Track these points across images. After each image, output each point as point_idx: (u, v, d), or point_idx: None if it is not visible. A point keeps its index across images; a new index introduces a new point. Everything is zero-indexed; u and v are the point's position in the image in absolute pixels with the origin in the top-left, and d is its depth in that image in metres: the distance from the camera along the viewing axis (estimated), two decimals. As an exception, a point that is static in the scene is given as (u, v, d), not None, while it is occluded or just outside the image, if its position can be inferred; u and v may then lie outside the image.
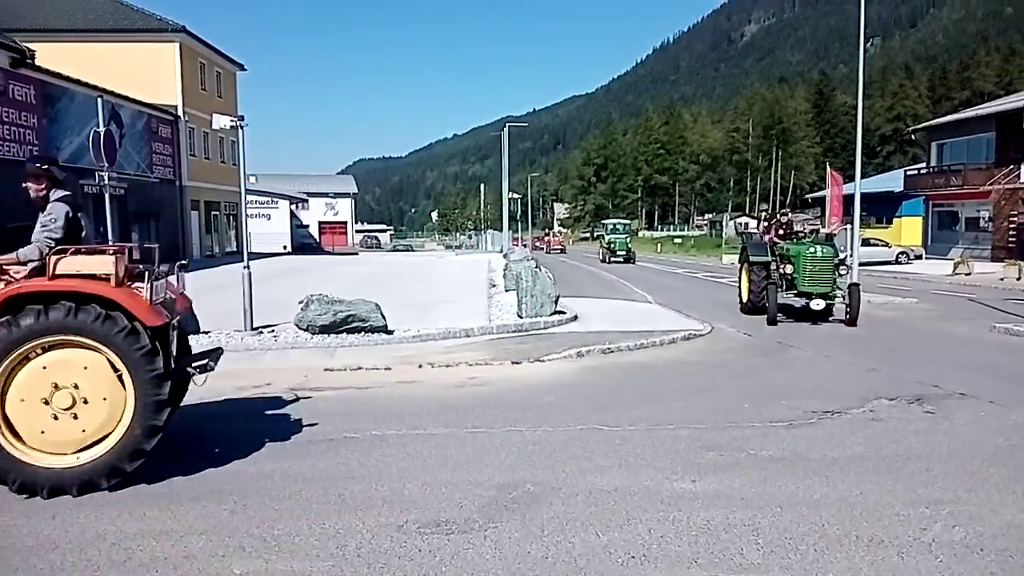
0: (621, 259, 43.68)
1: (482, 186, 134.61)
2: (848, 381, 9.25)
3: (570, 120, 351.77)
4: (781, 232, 15.96)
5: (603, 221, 55.47)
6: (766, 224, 16.46)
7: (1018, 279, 25.59)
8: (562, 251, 70.27)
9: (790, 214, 16.75)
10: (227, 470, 5.85)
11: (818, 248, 14.53)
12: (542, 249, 71.94)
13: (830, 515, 4.88)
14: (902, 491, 5.34)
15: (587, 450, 6.36)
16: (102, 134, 11.62)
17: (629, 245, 45.55)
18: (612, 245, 44.54)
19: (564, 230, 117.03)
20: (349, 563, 4.21)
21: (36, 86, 26.70)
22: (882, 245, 38.37)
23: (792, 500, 5.16)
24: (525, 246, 68.60)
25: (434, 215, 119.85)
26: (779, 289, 14.74)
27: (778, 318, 14.50)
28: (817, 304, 14.05)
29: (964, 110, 51.14)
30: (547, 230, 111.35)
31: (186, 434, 6.87)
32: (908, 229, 44.15)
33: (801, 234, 16.30)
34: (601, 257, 46.05)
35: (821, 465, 5.93)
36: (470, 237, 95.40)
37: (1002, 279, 26.00)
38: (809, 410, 7.69)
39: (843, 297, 14.51)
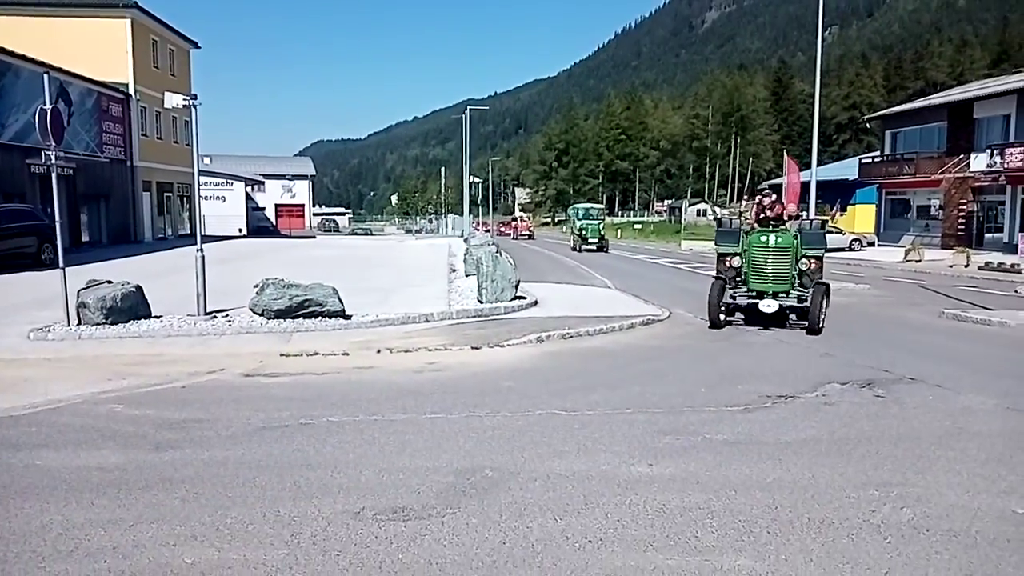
0: (594, 247, 40.60)
1: (443, 170, 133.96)
2: (802, 366, 9.40)
3: (532, 104, 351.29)
4: (762, 217, 13.34)
5: (574, 205, 50.80)
6: (757, 207, 13.75)
7: (966, 266, 26.28)
8: (530, 237, 65.90)
9: (774, 195, 13.57)
10: (178, 457, 5.74)
11: (771, 236, 12.33)
12: (508, 235, 68.31)
13: (783, 498, 4.96)
14: (853, 474, 5.45)
15: (545, 435, 6.37)
16: (49, 112, 11.25)
17: (602, 232, 42.41)
18: (584, 232, 41.24)
19: (525, 215, 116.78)
20: (304, 551, 4.16)
21: (-21, 61, 25.79)
22: (836, 232, 39.08)
23: (746, 483, 5.23)
24: (488, 231, 67.47)
25: (394, 199, 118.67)
26: (728, 285, 12.61)
27: (729, 320, 12.69)
28: (768, 305, 12.06)
29: (918, 99, 52.22)
30: (514, 214, 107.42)
31: (136, 420, 6.73)
32: (862, 216, 45.04)
33: (789, 221, 13.46)
34: (572, 245, 42.71)
35: (775, 448, 6.02)
36: (430, 221, 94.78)
37: (951, 266, 26.69)
38: (764, 394, 7.81)
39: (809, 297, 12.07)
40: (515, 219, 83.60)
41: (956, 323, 13.57)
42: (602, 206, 53.84)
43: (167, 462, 5.63)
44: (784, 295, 12.29)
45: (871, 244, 40.12)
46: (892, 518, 4.64)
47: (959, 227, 37.46)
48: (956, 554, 4.17)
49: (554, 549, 4.20)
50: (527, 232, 68.06)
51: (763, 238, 12.34)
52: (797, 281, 12.39)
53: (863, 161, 48.20)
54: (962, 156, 37.33)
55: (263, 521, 4.55)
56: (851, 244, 38.58)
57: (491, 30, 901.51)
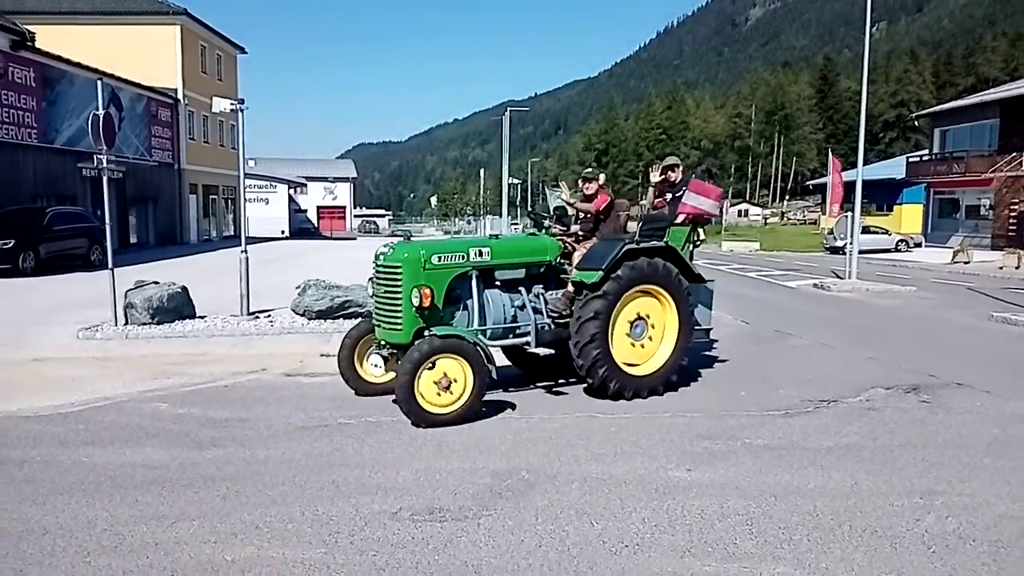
0: None
1: (482, 171, 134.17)
2: (845, 370, 9.23)
3: (572, 105, 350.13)
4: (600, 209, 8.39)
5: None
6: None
7: (1017, 268, 25.56)
8: None
9: (675, 170, 8.88)
10: (220, 455, 5.84)
11: (388, 248, 7.37)
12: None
13: (824, 505, 4.87)
14: (897, 481, 5.33)
15: (582, 438, 6.34)
16: (101, 117, 11.54)
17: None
18: None
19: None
20: (342, 550, 4.20)
21: (36, 69, 26.57)
22: (882, 232, 38.37)
23: (787, 490, 5.15)
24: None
25: (433, 200, 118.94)
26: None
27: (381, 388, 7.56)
28: (376, 364, 7.22)
29: (969, 96, 50.93)
30: None
31: (180, 419, 6.87)
32: (908, 216, 44.09)
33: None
34: None
35: (816, 454, 5.92)
36: (468, 223, 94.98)
37: (1001, 268, 25.97)
38: (806, 399, 7.68)
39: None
40: None
41: (1006, 327, 13.19)
42: None
43: (209, 460, 5.73)
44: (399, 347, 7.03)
45: (918, 245, 39.30)
46: (937, 527, 4.52)
47: (1010, 227, 36.40)
48: (1004, 566, 4.05)
49: (590, 553, 4.18)
50: None
51: (380, 250, 7.47)
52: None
53: (911, 160, 47.19)
54: (1015, 154, 36.26)
55: (302, 520, 4.61)
56: (897, 245, 37.86)
57: (532, 32, 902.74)
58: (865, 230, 31.89)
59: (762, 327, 12.80)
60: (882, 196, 47.78)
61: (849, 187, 22.08)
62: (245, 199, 14.13)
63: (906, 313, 15.08)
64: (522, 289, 7.69)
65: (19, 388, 8.05)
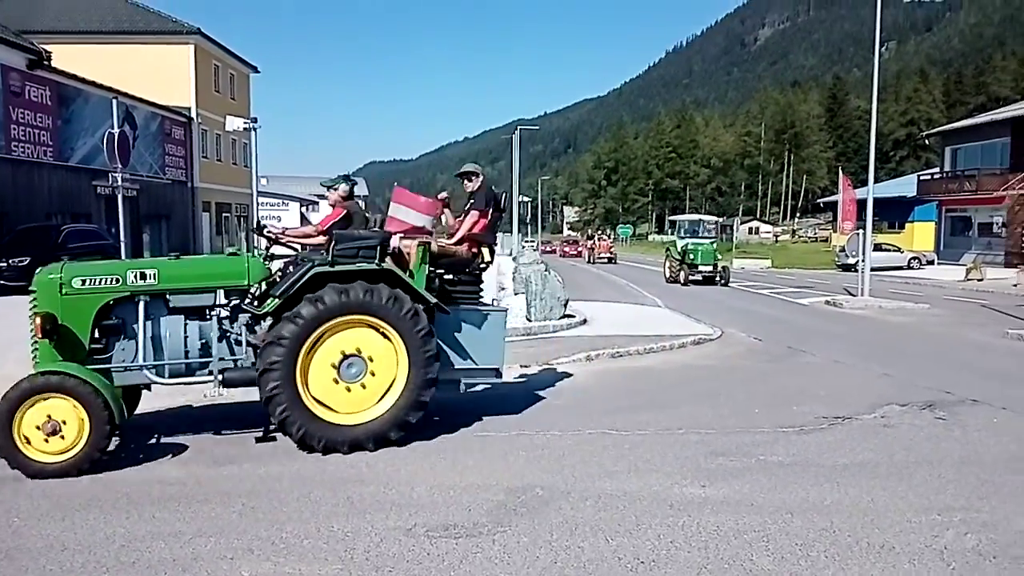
0: (701, 278, 28.02)
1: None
2: (859, 386, 9.19)
3: (581, 123, 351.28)
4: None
5: (673, 218, 38.03)
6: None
7: (1032, 285, 25.37)
8: (610, 261, 49.90)
9: (472, 179, 8.80)
10: (236, 472, 5.86)
11: (39, 271, 6.46)
12: (575, 256, 58.41)
13: (841, 521, 4.84)
14: (914, 498, 5.30)
15: (596, 454, 6.34)
16: (116, 135, 11.72)
17: (718, 256, 28.97)
18: (691, 256, 28.20)
19: (574, 233, 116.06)
20: (358, 566, 4.20)
21: (52, 87, 26.91)
22: (894, 250, 38.30)
23: (803, 506, 5.13)
24: (551, 251, 61.65)
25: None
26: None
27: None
28: None
29: (979, 115, 50.89)
30: (593, 232, 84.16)
31: (195, 437, 6.89)
32: (920, 234, 43.96)
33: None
34: (668, 274, 29.30)
35: (832, 471, 5.89)
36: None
37: (1015, 285, 25.80)
38: (820, 415, 7.65)
39: None
40: (591, 237, 65.26)
41: (1021, 344, 13.12)
42: (716, 219, 36.67)
43: (225, 476, 5.75)
44: None
45: (931, 262, 39.20)
46: (956, 544, 4.49)
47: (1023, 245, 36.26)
48: (1025, 584, 4.02)
49: (606, 570, 4.17)
50: (607, 255, 51.03)
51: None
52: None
53: (922, 178, 47.14)
54: (1027, 172, 36.19)
55: (317, 536, 4.61)
56: (909, 262, 37.79)
57: (541, 50, 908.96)
58: (877, 248, 31.82)
59: (774, 344, 12.77)
60: (893, 214, 47.66)
61: (860, 205, 22.06)
62: (259, 217, 14.25)
63: (920, 330, 15.01)
64: (216, 318, 6.50)
65: (35, 404, 8.08)
